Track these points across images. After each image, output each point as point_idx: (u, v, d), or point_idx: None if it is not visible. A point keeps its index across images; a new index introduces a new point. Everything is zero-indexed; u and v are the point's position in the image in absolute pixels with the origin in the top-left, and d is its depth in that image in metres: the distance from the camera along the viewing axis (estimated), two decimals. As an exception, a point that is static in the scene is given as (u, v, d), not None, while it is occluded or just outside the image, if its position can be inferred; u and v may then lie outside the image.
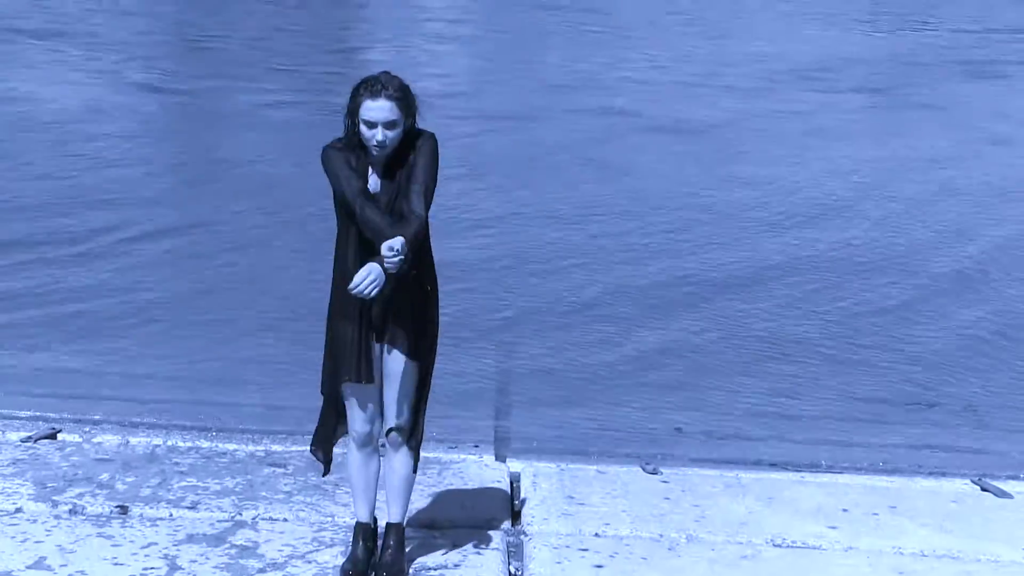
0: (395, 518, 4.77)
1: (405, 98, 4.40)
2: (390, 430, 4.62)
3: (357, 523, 4.87)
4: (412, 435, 4.66)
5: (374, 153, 4.40)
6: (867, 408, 8.12)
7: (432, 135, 4.53)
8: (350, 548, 4.90)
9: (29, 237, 10.92)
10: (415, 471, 4.80)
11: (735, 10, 34.37)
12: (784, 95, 22.05)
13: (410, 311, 4.54)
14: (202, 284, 9.93)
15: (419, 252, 4.42)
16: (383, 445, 4.75)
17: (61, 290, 9.65)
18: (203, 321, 9.08)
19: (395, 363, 4.56)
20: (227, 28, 25.95)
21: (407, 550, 4.87)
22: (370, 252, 4.30)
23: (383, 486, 4.80)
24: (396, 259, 4.14)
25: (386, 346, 4.57)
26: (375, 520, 4.83)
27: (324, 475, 5.06)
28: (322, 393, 4.78)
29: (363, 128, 4.37)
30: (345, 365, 4.58)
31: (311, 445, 4.90)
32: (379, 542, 4.83)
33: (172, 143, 15.83)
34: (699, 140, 17.48)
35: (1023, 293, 11.08)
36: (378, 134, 4.34)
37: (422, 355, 4.58)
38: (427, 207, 4.41)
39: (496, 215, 12.24)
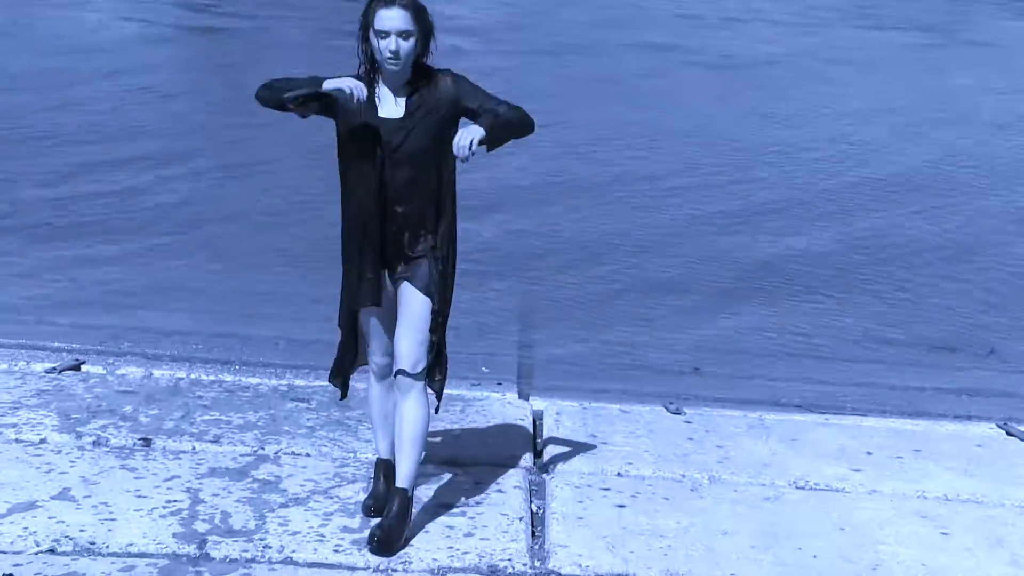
0: (401, 481, 4.57)
1: (418, 9, 4.30)
2: (398, 372, 4.51)
3: (378, 459, 4.84)
4: (422, 376, 4.52)
5: (388, 67, 4.31)
6: (893, 351, 8.06)
7: (452, 71, 4.44)
8: (371, 484, 4.89)
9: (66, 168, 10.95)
10: (435, 411, 4.70)
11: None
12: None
13: (427, 244, 4.47)
14: (230, 219, 9.91)
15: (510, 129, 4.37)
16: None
17: (88, 223, 9.65)
18: (229, 255, 9.07)
19: (408, 298, 4.47)
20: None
21: (414, 515, 4.69)
22: (382, 186, 4.33)
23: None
24: (466, 154, 4.18)
25: (401, 281, 4.48)
26: (395, 455, 4.76)
27: (341, 399, 4.98)
28: (339, 325, 4.72)
29: (377, 41, 4.28)
30: (353, 293, 4.54)
31: (330, 374, 4.86)
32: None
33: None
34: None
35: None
36: (391, 43, 4.25)
37: (436, 293, 4.47)
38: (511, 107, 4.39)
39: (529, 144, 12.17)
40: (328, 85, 4.25)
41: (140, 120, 13.12)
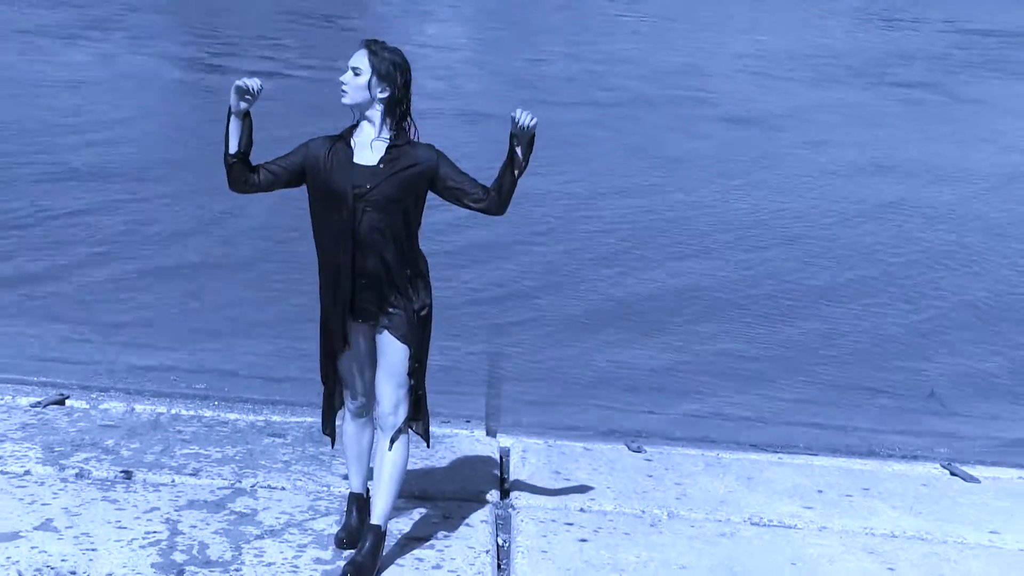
0: (376, 519, 4.55)
1: (375, 52, 4.37)
2: (380, 416, 4.56)
3: (351, 493, 4.85)
4: (405, 420, 4.55)
5: (342, 99, 4.39)
6: (842, 394, 8.12)
7: (432, 145, 4.50)
8: (344, 517, 4.89)
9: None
10: (427, 446, 4.81)
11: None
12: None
13: (402, 296, 4.47)
14: (209, 255, 9.93)
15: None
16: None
17: (70, 261, 9.65)
18: (210, 291, 9.08)
19: (386, 346, 4.49)
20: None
21: (386, 549, 4.69)
22: (353, 231, 4.35)
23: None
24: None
25: (381, 329, 4.49)
26: (367, 491, 4.78)
27: (332, 447, 5.02)
28: (321, 378, 4.74)
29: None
30: (329, 338, 4.58)
31: (321, 425, 4.86)
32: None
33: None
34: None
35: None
36: (345, 75, 4.35)
37: (413, 341, 4.48)
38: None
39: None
40: (232, 105, 4.33)
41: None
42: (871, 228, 13.26)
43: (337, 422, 4.83)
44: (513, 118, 4.30)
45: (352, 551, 4.63)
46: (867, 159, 16.99)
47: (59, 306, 8.45)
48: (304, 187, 4.52)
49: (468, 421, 6.41)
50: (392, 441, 4.52)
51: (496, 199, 4.45)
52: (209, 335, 8.15)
